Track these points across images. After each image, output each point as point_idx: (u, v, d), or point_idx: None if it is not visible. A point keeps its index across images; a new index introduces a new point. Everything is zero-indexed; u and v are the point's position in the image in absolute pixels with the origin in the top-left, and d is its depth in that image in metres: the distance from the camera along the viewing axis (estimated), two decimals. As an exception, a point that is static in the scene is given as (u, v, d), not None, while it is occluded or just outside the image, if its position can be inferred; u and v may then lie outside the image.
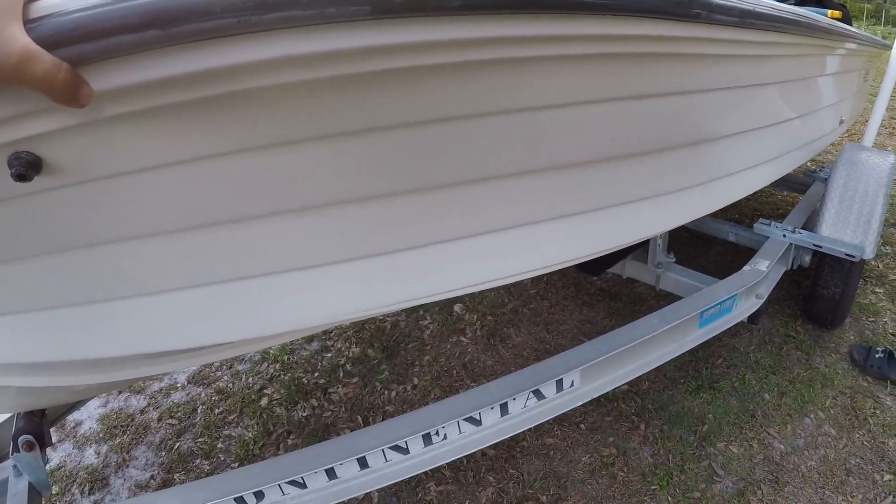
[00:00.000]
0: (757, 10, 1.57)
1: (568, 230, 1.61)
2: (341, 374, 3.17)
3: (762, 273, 2.67)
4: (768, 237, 3.09)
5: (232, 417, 2.97)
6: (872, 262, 4.33)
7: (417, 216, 1.31)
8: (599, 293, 3.82)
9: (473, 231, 1.40)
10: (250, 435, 2.84)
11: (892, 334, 3.50)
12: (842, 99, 3.86)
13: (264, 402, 3.03)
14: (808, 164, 5.43)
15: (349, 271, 1.32)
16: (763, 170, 2.80)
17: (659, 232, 2.47)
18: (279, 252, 1.22)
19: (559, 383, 1.88)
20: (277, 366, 3.27)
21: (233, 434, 2.86)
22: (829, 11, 2.60)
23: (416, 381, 3.09)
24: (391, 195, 1.24)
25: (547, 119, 1.30)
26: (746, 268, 2.71)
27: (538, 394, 1.85)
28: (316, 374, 3.19)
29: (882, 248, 4.60)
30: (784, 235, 3.06)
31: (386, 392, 3.02)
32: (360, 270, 1.34)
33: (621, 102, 1.44)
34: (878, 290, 3.98)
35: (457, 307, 3.70)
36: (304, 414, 2.92)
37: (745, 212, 4.97)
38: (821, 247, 3.00)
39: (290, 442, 2.78)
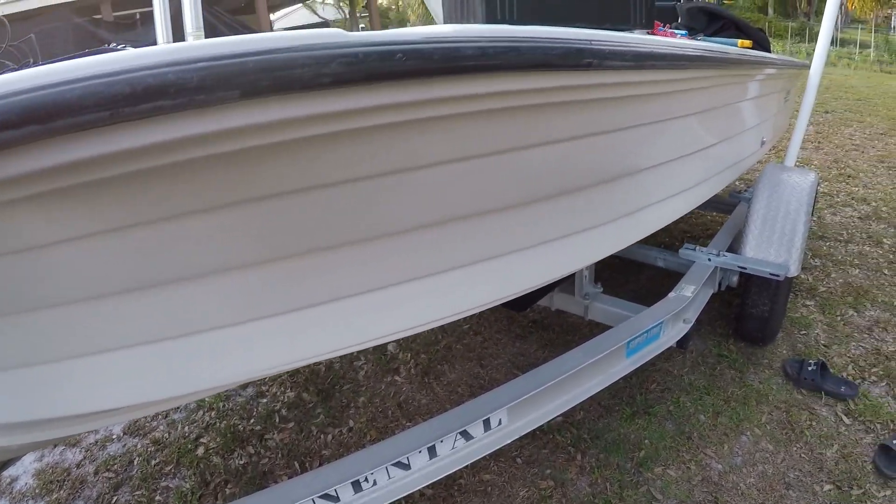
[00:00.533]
0: (655, 51, 1.65)
1: (488, 273, 1.66)
2: (277, 420, 3.14)
3: (687, 299, 2.74)
4: (694, 262, 3.17)
5: (169, 468, 2.91)
6: (802, 276, 4.48)
7: (325, 273, 1.35)
8: (532, 325, 3.84)
9: (386, 282, 1.45)
10: (188, 486, 2.78)
11: (824, 346, 3.60)
12: (763, 121, 4.03)
13: (201, 451, 2.98)
14: (738, 182, 5.61)
15: (265, 328, 1.35)
16: (687, 195, 2.92)
17: (582, 266, 2.55)
18: (188, 315, 1.26)
19: (486, 423, 1.89)
20: (213, 413, 3.23)
21: (170, 486, 2.80)
22: (739, 41, 2.71)
23: (351, 423, 3.08)
24: (296, 255, 1.28)
25: (454, 172, 1.35)
26: (672, 294, 2.78)
27: (466, 434, 1.87)
28: (252, 421, 3.15)
29: (811, 260, 4.77)
30: (709, 259, 3.15)
31: (322, 436, 3.00)
32: (274, 327, 1.36)
33: (529, 150, 1.50)
34: (808, 302, 4.11)
35: (391, 346, 3.69)
36: (241, 462, 2.88)
37: (675, 234, 5.10)
38: (745, 268, 3.08)
39: (228, 491, 2.73)
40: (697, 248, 3.24)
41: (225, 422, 3.15)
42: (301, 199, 1.19)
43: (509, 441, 1.94)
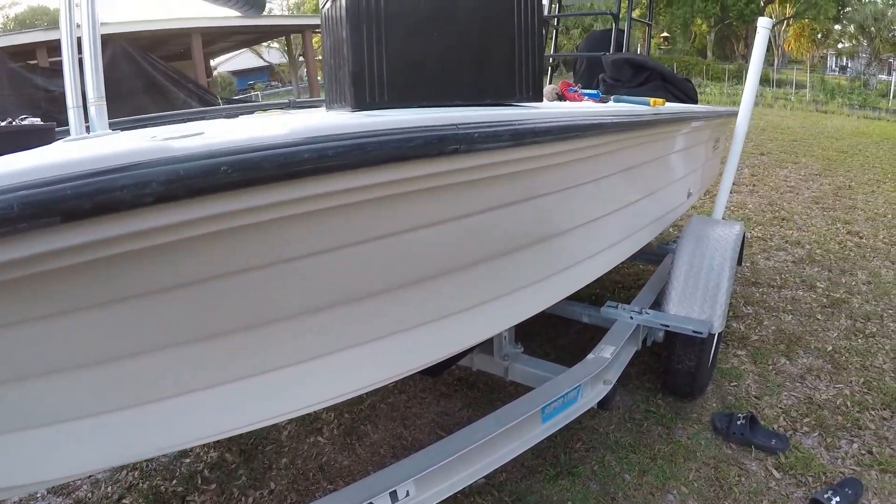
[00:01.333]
0: (537, 128, 1.66)
1: (392, 348, 1.70)
2: (199, 481, 3.09)
3: (606, 360, 2.72)
4: (616, 320, 3.19)
5: (91, 530, 2.79)
6: (734, 325, 4.58)
7: (219, 357, 1.38)
8: (457, 383, 3.81)
9: (286, 362, 1.49)
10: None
11: (755, 397, 3.66)
12: (689, 172, 4.15)
13: None
14: (672, 229, 5.75)
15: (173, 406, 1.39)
16: (609, 253, 2.99)
17: (495, 332, 2.50)
18: (85, 397, 1.29)
19: (393, 495, 1.87)
20: (136, 473, 3.17)
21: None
22: (652, 100, 2.79)
23: (273, 485, 3.03)
24: (179, 344, 1.31)
25: (329, 260, 1.40)
26: (590, 356, 2.77)
27: None
28: (174, 482, 3.09)
29: (744, 308, 4.89)
30: (631, 317, 3.16)
31: (243, 499, 2.96)
32: (187, 404, 1.40)
33: (416, 232, 1.54)
34: (740, 352, 4.19)
35: None
36: None
37: (606, 285, 5.18)
38: (668, 326, 3.12)
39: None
40: (620, 305, 3.26)
41: (148, 482, 3.09)
42: (172, 295, 1.22)
43: (419, 512, 1.91)
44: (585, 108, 2.24)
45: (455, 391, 3.77)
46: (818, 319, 4.67)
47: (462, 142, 1.39)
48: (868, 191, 8.92)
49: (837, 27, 42.95)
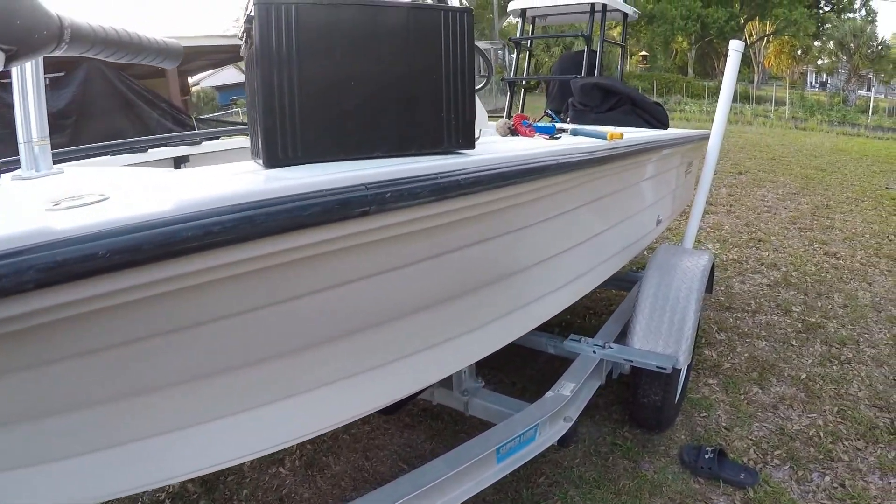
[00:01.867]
0: (463, 180, 1.59)
1: (344, 392, 1.71)
2: None
3: (565, 398, 2.68)
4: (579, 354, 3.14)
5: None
6: (706, 352, 4.54)
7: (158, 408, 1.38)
8: (421, 413, 3.72)
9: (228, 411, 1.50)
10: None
11: (725, 429, 3.61)
12: (657, 199, 4.12)
13: None
14: (647, 252, 5.72)
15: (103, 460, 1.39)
16: (574, 285, 2.94)
17: (454, 370, 2.44)
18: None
19: None
20: None
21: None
22: (609, 133, 2.72)
23: None
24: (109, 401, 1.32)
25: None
26: (550, 393, 2.73)
27: None
28: None
29: (717, 335, 4.85)
30: (594, 352, 3.12)
31: None
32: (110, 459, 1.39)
33: (360, 282, 1.55)
34: (711, 381, 4.15)
35: None
36: None
37: (577, 310, 5.13)
38: (632, 361, 3.06)
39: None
40: (583, 339, 3.21)
41: None
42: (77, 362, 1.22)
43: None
44: (529, 149, 2.15)
45: (419, 422, 3.69)
46: (792, 345, 4.64)
47: (373, 203, 1.34)
48: (846, 210, 8.98)
49: (817, 44, 43.70)
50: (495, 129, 2.60)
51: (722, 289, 5.88)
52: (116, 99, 9.35)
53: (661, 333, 3.14)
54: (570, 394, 2.70)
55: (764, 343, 4.69)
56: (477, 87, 4.79)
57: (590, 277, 3.22)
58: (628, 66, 44.37)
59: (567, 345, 3.20)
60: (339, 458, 3.38)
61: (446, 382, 2.90)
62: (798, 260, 6.71)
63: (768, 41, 45.85)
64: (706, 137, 4.47)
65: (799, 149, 15.32)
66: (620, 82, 4.64)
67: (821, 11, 42.92)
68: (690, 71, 43.67)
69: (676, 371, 3.14)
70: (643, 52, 42.67)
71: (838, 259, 6.73)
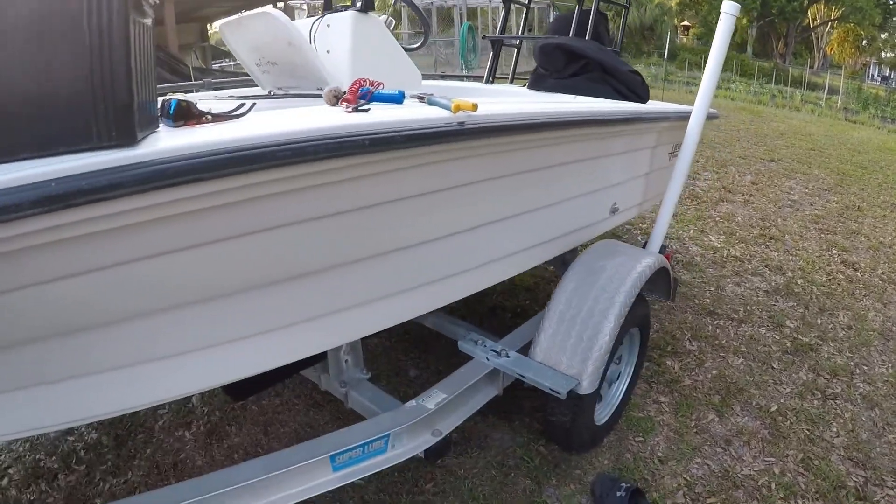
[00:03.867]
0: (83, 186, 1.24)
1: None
2: (74, 461, 3.14)
3: (427, 411, 2.39)
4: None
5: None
6: (669, 362, 3.96)
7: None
8: (330, 393, 3.33)
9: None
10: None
11: (659, 460, 3.05)
12: (614, 184, 3.53)
13: (5, 481, 3.03)
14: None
15: None
16: (486, 269, 2.71)
17: (312, 351, 2.23)
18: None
19: None
20: (27, 445, 3.26)
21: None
22: (455, 103, 1.94)
23: (130, 475, 3.05)
24: None
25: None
26: (411, 403, 2.46)
27: None
28: (54, 458, 3.16)
29: (688, 343, 4.25)
30: (487, 359, 2.73)
31: (102, 484, 2.99)
32: None
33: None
34: (662, 398, 3.57)
35: (195, 398, 3.56)
36: (31, 498, 2.92)
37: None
38: (524, 378, 2.60)
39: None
40: (482, 341, 2.82)
41: (33, 455, 3.19)
42: None
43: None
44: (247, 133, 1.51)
45: (328, 402, 3.51)
46: (773, 368, 4.02)
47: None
48: (879, 215, 8.18)
49: (884, 36, 41.80)
50: (323, 96, 2.00)
51: (711, 289, 5.25)
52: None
53: (565, 349, 2.66)
54: (433, 407, 2.42)
55: (740, 361, 4.09)
56: (414, 47, 4.21)
57: (505, 264, 2.81)
58: (681, 39, 42.81)
59: (462, 346, 2.84)
60: (241, 429, 3.33)
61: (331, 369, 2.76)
62: (809, 266, 6.01)
63: (832, 27, 44.05)
64: (685, 117, 3.77)
65: (843, 142, 14.29)
66: (594, 45, 3.95)
67: (890, 2, 41.02)
68: (749, 50, 42.20)
69: (579, 396, 2.64)
70: (684, 23, 41.01)
71: (855, 270, 6.02)
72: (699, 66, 28.52)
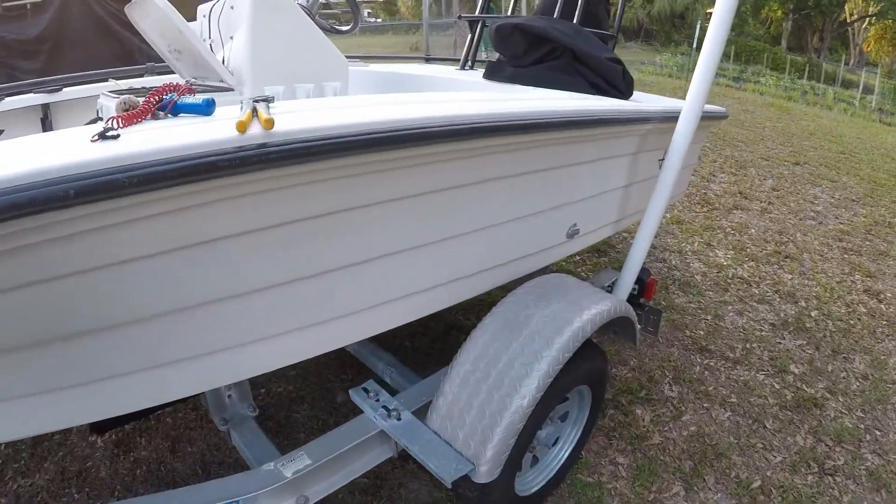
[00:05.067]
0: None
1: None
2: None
3: (283, 479, 2.08)
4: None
5: None
6: (639, 411, 3.34)
7: None
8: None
9: None
10: None
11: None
12: (574, 201, 2.91)
13: None
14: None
15: None
16: (385, 310, 2.29)
17: (188, 394, 2.06)
18: None
19: None
20: None
21: None
22: (239, 121, 1.48)
23: (37, 477, 2.99)
24: None
25: None
26: (268, 466, 2.15)
27: None
28: None
29: (667, 386, 3.63)
30: (375, 418, 2.32)
31: (11, 483, 2.97)
32: None
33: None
34: (621, 459, 3.00)
35: None
36: None
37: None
38: (410, 450, 2.19)
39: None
40: (375, 393, 2.43)
41: None
42: None
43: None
44: None
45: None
46: (765, 428, 3.38)
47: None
48: (911, 233, 7.46)
49: (925, 34, 40.39)
50: (114, 108, 1.60)
51: (708, 318, 4.60)
52: (95, 24, 9.15)
53: (464, 423, 2.19)
54: (290, 475, 2.09)
55: (727, 415, 3.45)
56: (344, 29, 3.90)
57: (401, 306, 2.33)
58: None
59: (352, 395, 2.46)
60: (150, 442, 3.22)
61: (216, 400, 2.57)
62: (826, 293, 5.33)
63: (870, 23, 42.56)
64: (673, 119, 3.11)
65: (876, 146, 13.41)
66: (567, 27, 3.30)
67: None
68: (784, 43, 40.96)
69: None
70: (710, 10, 39.75)
71: (880, 301, 5.31)
72: (730, 57, 27.50)
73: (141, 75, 4.20)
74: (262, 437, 2.50)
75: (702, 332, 4.38)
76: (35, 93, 3.50)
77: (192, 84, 2.85)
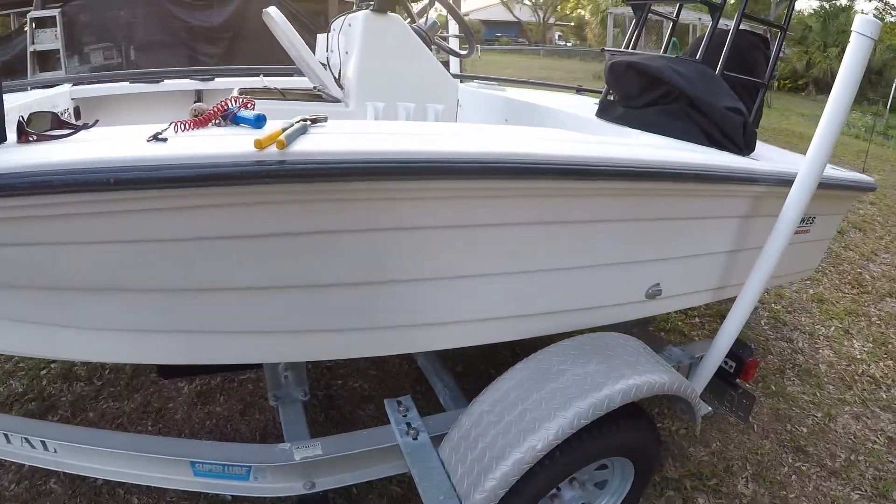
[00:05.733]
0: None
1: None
2: None
3: (290, 460, 2.25)
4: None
5: None
6: (700, 500, 3.00)
7: None
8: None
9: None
10: None
11: None
12: (654, 258, 2.78)
13: None
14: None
15: None
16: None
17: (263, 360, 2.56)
18: None
19: (45, 444, 2.22)
20: None
21: None
22: (259, 138, 1.70)
23: (125, 403, 3.44)
24: None
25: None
26: (284, 445, 2.34)
27: (29, 442, 2.23)
28: None
29: (743, 484, 3.26)
30: (397, 433, 2.38)
31: (104, 403, 3.45)
32: None
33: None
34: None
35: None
36: None
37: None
38: (411, 470, 2.26)
39: None
40: (406, 409, 2.48)
41: None
42: None
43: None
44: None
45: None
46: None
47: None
48: None
49: None
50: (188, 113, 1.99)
51: (817, 416, 4.12)
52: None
53: (465, 460, 2.17)
54: (298, 459, 2.26)
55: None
56: (463, 54, 4.33)
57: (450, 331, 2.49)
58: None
59: (387, 404, 2.53)
60: (227, 400, 3.52)
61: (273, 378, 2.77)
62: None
63: None
64: (785, 183, 2.74)
65: None
66: (692, 68, 3.02)
67: None
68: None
69: None
70: None
71: None
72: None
73: (290, 75, 4.48)
74: (302, 421, 2.62)
75: (805, 430, 3.92)
76: (192, 79, 3.97)
77: (317, 90, 3.41)
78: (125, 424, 3.36)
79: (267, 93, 3.48)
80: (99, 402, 3.49)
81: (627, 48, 4.16)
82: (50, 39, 9.73)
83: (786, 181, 2.66)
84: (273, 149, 1.68)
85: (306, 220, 1.90)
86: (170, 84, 3.92)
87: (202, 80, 4.01)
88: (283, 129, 1.76)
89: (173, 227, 1.79)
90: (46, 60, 9.85)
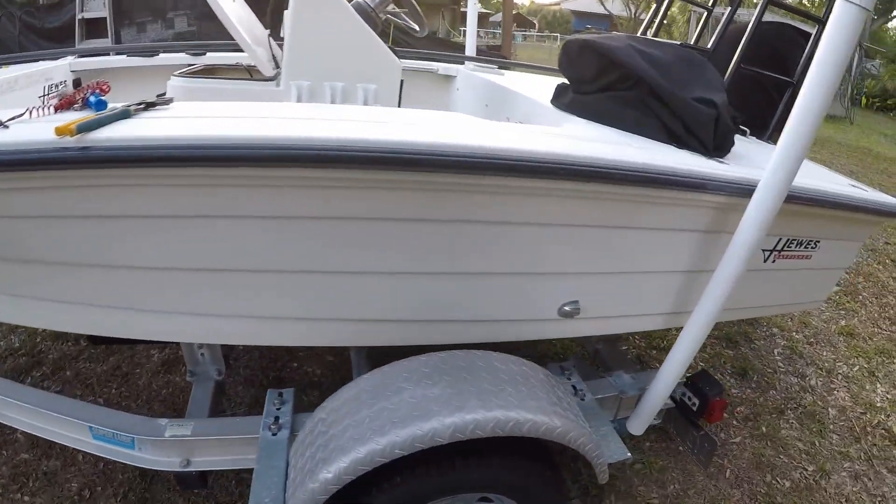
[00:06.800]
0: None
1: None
2: None
3: (160, 434, 2.35)
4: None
5: None
6: None
7: None
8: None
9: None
10: None
11: None
12: (568, 272, 2.43)
13: None
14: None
15: None
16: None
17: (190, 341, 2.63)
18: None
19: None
20: None
21: None
22: (59, 127, 1.71)
23: (99, 366, 3.75)
24: None
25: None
26: (164, 420, 2.42)
27: None
28: None
29: None
30: (268, 430, 2.32)
31: (82, 364, 3.76)
32: None
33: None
34: None
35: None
36: None
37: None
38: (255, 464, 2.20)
39: None
40: (283, 400, 2.45)
41: None
42: None
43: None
44: None
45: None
46: None
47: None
48: None
49: None
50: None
51: (808, 469, 3.61)
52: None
53: (294, 467, 2.08)
54: (167, 436, 2.35)
55: None
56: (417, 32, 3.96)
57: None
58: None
59: (269, 393, 2.49)
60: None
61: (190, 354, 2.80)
62: None
63: None
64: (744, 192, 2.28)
65: None
66: (670, 50, 2.62)
67: None
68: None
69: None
70: None
71: None
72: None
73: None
74: (207, 400, 2.68)
75: (788, 484, 3.43)
76: (187, 53, 4.14)
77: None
78: (93, 385, 3.69)
79: (205, 71, 3.56)
80: (78, 363, 3.86)
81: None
82: (98, 7, 9.76)
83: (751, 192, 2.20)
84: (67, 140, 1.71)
85: (108, 204, 1.91)
86: (165, 58, 4.08)
87: (194, 55, 4.11)
88: (97, 116, 1.81)
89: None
90: (95, 28, 9.86)
